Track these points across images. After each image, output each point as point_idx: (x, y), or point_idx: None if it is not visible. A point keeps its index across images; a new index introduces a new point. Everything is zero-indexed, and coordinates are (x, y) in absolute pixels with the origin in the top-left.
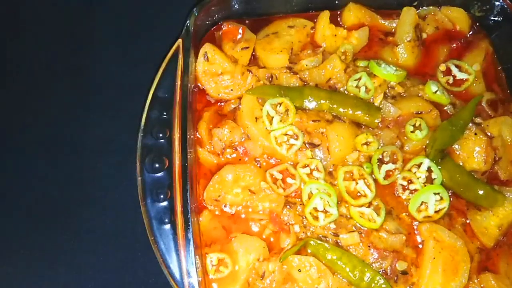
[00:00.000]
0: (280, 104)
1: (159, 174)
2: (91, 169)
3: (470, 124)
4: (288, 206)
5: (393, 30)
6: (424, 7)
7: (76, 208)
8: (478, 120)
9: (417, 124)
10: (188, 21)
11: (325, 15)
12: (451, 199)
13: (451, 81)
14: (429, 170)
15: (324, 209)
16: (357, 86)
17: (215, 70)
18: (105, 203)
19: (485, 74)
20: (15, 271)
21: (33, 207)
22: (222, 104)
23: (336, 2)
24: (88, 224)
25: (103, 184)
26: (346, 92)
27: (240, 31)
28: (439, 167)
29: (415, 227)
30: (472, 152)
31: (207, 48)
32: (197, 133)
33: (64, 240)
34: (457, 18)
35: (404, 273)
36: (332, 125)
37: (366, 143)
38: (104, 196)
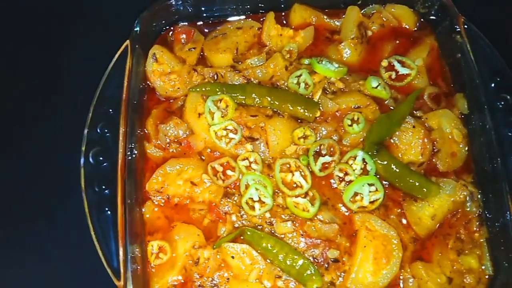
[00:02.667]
0: (221, 100)
1: (102, 166)
2: (43, 163)
3: (410, 117)
4: (227, 197)
5: (338, 29)
6: (370, 6)
7: (30, 200)
8: (419, 113)
9: (355, 118)
10: (136, 24)
11: (270, 16)
12: (387, 190)
13: (393, 76)
14: (364, 162)
15: (259, 199)
16: (297, 83)
17: (163, 69)
18: (56, 194)
19: (431, 69)
20: None
21: None
22: (172, 101)
23: (282, 6)
24: (40, 215)
25: (54, 176)
26: (287, 89)
27: (184, 35)
28: (375, 159)
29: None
30: (410, 144)
31: (155, 49)
32: (145, 129)
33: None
34: (401, 15)
35: (336, 261)
36: (270, 120)
37: (304, 137)
38: (55, 188)
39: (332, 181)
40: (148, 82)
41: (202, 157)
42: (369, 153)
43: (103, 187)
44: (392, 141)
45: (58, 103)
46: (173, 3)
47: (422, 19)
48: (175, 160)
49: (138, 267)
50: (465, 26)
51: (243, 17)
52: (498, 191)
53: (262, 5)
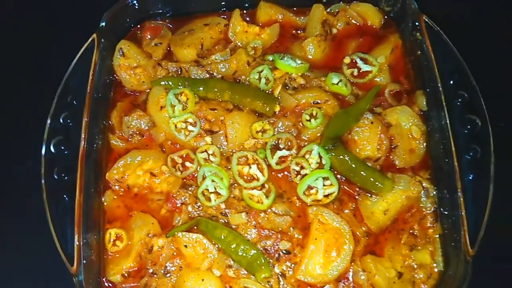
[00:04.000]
0: (182, 93)
1: (63, 155)
2: (5, 152)
3: (369, 113)
4: (184, 188)
5: (304, 26)
6: (335, 4)
7: None
8: (378, 109)
9: (313, 113)
10: (102, 18)
11: (236, 13)
12: (343, 185)
13: (355, 73)
14: (321, 156)
15: (215, 190)
16: (259, 78)
17: (130, 64)
18: (17, 182)
19: (395, 66)
20: None
21: None
22: (137, 95)
23: (246, 5)
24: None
25: (15, 165)
26: (249, 84)
27: (149, 32)
28: (332, 153)
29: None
30: (367, 140)
31: (122, 44)
32: (110, 121)
33: None
34: (366, 13)
35: (287, 252)
36: (230, 114)
37: (262, 131)
38: (16, 176)
39: (289, 174)
40: (115, 76)
41: (163, 149)
42: (325, 147)
43: (63, 175)
44: (350, 136)
45: (22, 93)
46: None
47: (386, 17)
48: (136, 152)
49: (93, 254)
50: (427, 24)
51: (211, 14)
52: (452, 188)
53: (230, 3)
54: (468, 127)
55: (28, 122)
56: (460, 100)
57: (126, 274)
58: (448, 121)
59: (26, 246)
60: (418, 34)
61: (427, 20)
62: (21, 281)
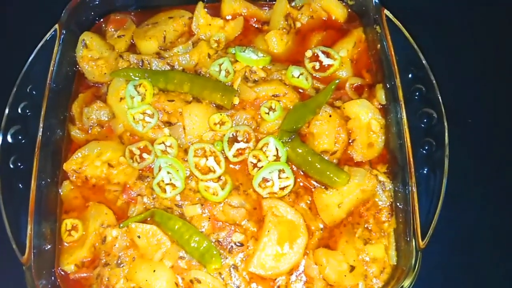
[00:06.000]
0: (141, 85)
1: (20, 145)
2: None
3: (327, 106)
4: (140, 179)
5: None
6: None
7: None
8: (338, 103)
9: (272, 106)
10: (65, 10)
11: (199, 6)
12: (300, 178)
13: (317, 66)
14: (277, 149)
15: (170, 182)
16: (219, 70)
17: (92, 55)
18: None
19: (358, 60)
20: None
21: None
22: (100, 86)
23: None
24: None
25: None
26: (208, 76)
27: (112, 24)
28: (288, 146)
29: None
30: (325, 133)
31: (85, 35)
32: (71, 112)
33: None
34: (330, 7)
35: (241, 244)
36: (188, 106)
37: (220, 123)
38: None
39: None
40: (78, 67)
41: (122, 140)
42: (282, 140)
43: (19, 164)
44: (308, 129)
45: None
46: None
47: (350, 11)
48: (95, 143)
49: (47, 244)
50: (388, 18)
51: (176, 7)
52: (406, 181)
53: None
54: (425, 120)
55: None
56: (418, 93)
57: (80, 265)
58: (404, 115)
59: None
60: (378, 27)
61: (387, 14)
62: None
